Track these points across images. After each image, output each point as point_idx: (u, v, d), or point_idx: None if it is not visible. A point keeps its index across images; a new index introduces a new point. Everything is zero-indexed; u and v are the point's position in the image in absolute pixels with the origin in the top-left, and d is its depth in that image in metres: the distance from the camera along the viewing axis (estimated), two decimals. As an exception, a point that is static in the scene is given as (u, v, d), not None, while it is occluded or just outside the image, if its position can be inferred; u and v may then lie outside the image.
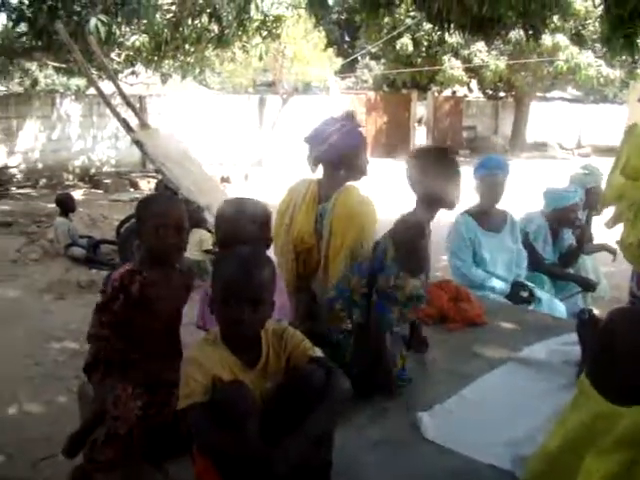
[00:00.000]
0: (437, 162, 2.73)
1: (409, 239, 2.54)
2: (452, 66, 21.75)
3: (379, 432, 2.36)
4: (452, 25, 6.52)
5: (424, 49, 22.00)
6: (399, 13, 19.49)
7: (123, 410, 2.24)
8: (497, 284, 4.12)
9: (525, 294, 4.06)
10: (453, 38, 18.62)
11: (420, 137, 24.61)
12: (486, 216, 4.23)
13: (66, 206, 8.14)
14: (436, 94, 25.01)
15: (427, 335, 3.04)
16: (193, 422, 1.82)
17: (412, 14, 19.17)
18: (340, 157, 2.99)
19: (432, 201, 2.69)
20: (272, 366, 1.97)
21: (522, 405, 2.53)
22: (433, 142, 23.73)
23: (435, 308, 3.39)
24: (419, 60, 22.08)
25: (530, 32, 6.45)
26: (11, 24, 11.01)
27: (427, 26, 20.18)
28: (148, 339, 2.41)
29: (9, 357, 4.88)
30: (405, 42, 21.41)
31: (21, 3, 10.53)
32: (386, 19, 18.54)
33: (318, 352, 1.98)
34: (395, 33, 20.30)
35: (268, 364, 1.97)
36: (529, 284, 4.17)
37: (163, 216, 2.40)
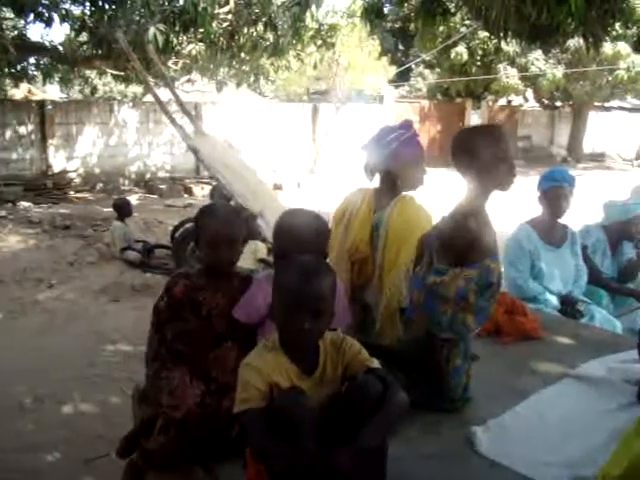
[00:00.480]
0: (485, 138, 2.44)
1: (462, 230, 2.40)
2: (508, 75, 21.47)
3: (431, 445, 2.33)
4: (509, 33, 6.42)
5: (479, 57, 21.79)
6: (454, 21, 19.32)
7: (181, 396, 2.28)
8: (551, 299, 4.03)
9: (576, 308, 3.96)
10: (509, 46, 18.36)
11: (474, 146, 24.31)
12: (548, 229, 4.14)
13: (123, 211, 8.30)
14: (490, 103, 24.72)
15: (480, 348, 2.98)
16: (249, 427, 1.83)
17: (467, 22, 19.02)
18: (398, 166, 2.95)
19: (482, 182, 2.39)
20: (329, 375, 1.97)
21: (579, 423, 2.46)
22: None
23: (489, 320, 3.32)
24: (474, 69, 21.87)
25: (590, 40, 6.29)
26: (73, 34, 11.32)
27: (482, 34, 19.99)
28: (196, 340, 2.43)
29: (65, 357, 5.01)
30: (460, 50, 21.23)
31: (83, 14, 10.82)
32: (441, 27, 18.41)
33: (375, 363, 1.97)
34: (450, 42, 20.13)
35: (325, 373, 1.96)
36: (582, 299, 4.08)
37: (219, 229, 2.42)
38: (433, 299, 2.42)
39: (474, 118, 25.11)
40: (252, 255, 6.73)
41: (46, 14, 10.03)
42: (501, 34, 6.38)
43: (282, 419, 1.76)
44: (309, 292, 1.85)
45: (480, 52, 21.62)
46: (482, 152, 2.38)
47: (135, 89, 21.09)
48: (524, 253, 4.07)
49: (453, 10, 8.22)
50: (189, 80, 13.87)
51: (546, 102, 25.72)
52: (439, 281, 2.42)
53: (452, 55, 21.37)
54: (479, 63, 21.87)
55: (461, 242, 2.42)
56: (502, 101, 25.26)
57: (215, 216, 2.50)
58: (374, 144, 2.99)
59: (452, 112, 23.51)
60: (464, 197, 2.47)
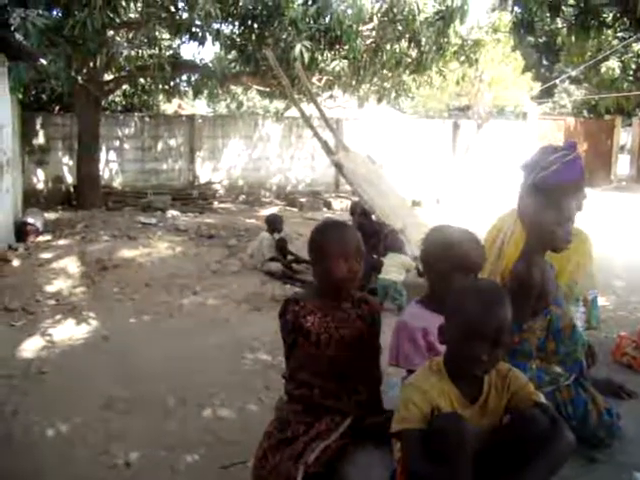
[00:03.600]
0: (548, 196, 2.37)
1: (516, 286, 2.32)
2: (665, 89, 20.24)
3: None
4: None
5: (632, 72, 20.66)
6: (606, 34, 18.47)
7: (293, 430, 2.29)
8: None
9: None
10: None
11: (623, 166, 23.10)
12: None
13: (274, 226, 8.52)
14: (642, 120, 23.38)
15: (637, 384, 2.78)
16: (406, 447, 1.82)
17: (620, 35, 18.10)
18: (559, 187, 2.79)
19: (537, 241, 2.35)
20: (492, 404, 1.91)
21: None
22: (637, 171, 22.18)
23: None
24: (625, 84, 20.76)
25: None
26: (223, 52, 11.82)
27: (637, 47, 18.95)
28: (308, 366, 2.40)
29: (206, 362, 5.18)
30: (612, 65, 20.23)
31: (233, 33, 11.28)
32: (590, 41, 17.66)
33: (542, 398, 1.89)
34: (601, 56, 19.22)
35: (488, 401, 1.91)
36: None
37: (329, 248, 2.34)
38: (515, 358, 2.31)
39: (624, 136, 23.82)
40: (395, 268, 6.71)
41: (199, 34, 10.53)
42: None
43: (440, 443, 1.73)
44: (491, 323, 1.80)
45: (634, 66, 20.50)
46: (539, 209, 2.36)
47: (278, 104, 21.73)
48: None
49: (610, 22, 7.87)
50: (331, 96, 14.09)
51: None
52: (517, 339, 2.34)
53: (602, 70, 20.40)
54: (632, 78, 20.74)
55: (527, 295, 2.34)
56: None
57: (324, 233, 2.43)
58: (534, 163, 2.85)
59: (600, 130, 22.39)
60: (523, 251, 2.42)
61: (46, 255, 8.28)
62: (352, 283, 2.40)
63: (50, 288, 7.24)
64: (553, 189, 2.61)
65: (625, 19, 7.43)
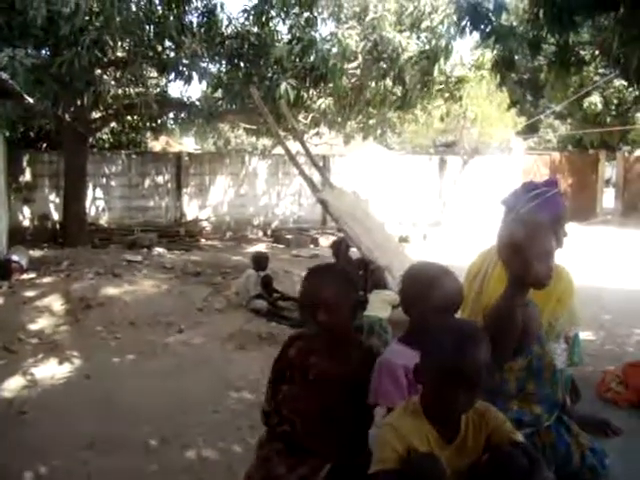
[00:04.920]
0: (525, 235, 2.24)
1: (497, 326, 2.23)
2: (648, 124, 20.58)
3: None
4: (651, 81, 6.15)
5: (614, 107, 20.99)
6: (587, 70, 18.78)
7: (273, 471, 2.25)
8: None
9: None
10: (650, 95, 17.61)
11: (608, 200, 23.32)
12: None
13: (260, 264, 8.49)
14: (626, 154, 23.66)
15: (624, 421, 2.77)
16: None
17: (601, 71, 18.43)
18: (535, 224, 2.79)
19: (517, 278, 2.23)
20: (470, 443, 1.89)
21: None
22: (622, 205, 22.38)
23: (633, 391, 3.08)
24: (609, 118, 21.08)
25: None
26: (210, 90, 11.93)
27: (618, 83, 19.30)
28: (297, 403, 2.36)
29: (191, 401, 5.10)
30: (594, 100, 20.57)
31: (219, 71, 11.40)
32: (573, 77, 17.96)
33: (520, 437, 1.87)
34: (583, 92, 19.54)
35: (466, 441, 1.89)
36: None
37: (313, 296, 2.33)
38: (495, 398, 2.24)
39: (608, 170, 24.08)
40: (380, 304, 6.69)
41: (186, 72, 10.63)
42: (642, 83, 6.13)
43: None
44: (467, 364, 1.77)
45: (615, 101, 20.84)
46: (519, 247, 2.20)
47: (265, 141, 21.88)
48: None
49: (588, 59, 8.01)
50: (317, 133, 14.21)
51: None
52: (498, 379, 2.33)
53: (585, 105, 20.74)
54: (614, 112, 21.07)
55: (507, 334, 2.28)
56: (639, 151, 24.12)
57: (309, 280, 2.42)
58: (515, 199, 2.86)
59: (584, 164, 22.63)
60: (504, 289, 2.29)
61: (30, 293, 8.20)
62: (336, 331, 2.36)
63: (33, 326, 7.16)
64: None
65: (602, 56, 7.58)
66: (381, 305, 6.69)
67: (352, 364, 2.36)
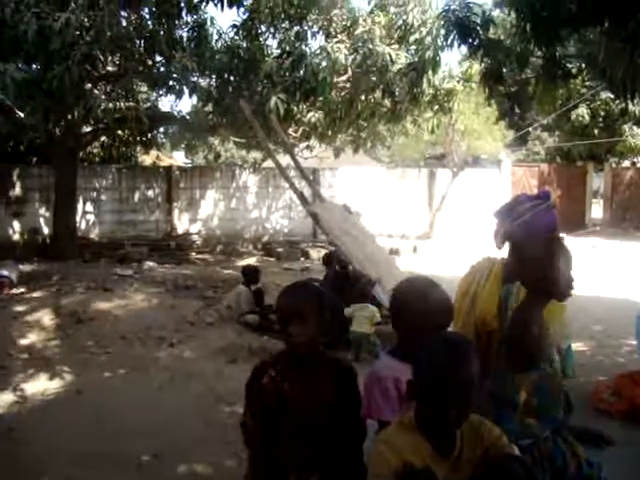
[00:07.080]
0: (546, 246, 2.29)
1: (510, 337, 2.30)
2: (634, 134, 20.69)
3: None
4: (636, 94, 6.20)
5: (602, 119, 21.18)
6: (574, 83, 18.95)
7: None
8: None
9: None
10: (636, 106, 17.74)
11: (596, 211, 23.47)
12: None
13: (251, 278, 8.48)
14: (614, 165, 23.83)
15: (615, 431, 2.78)
16: None
17: (588, 84, 18.59)
18: (531, 236, 2.79)
19: (540, 290, 2.24)
20: (465, 458, 1.88)
21: None
22: (611, 216, 22.53)
23: (625, 401, 3.09)
24: (596, 130, 21.27)
25: None
26: (200, 104, 11.96)
27: (605, 95, 19.49)
28: (279, 427, 2.34)
29: (183, 416, 5.09)
30: (581, 112, 20.75)
31: (210, 85, 11.43)
32: (560, 90, 18.10)
33: (516, 450, 1.88)
34: (571, 105, 19.70)
35: (462, 455, 1.88)
36: None
37: (285, 309, 2.35)
38: (502, 409, 2.32)
39: (596, 181, 24.23)
40: (367, 320, 6.71)
41: (177, 87, 10.65)
42: (628, 95, 6.18)
43: None
44: (459, 380, 1.78)
45: (603, 113, 21.03)
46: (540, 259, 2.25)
47: (255, 155, 21.91)
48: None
49: (575, 72, 8.09)
50: (308, 146, 14.24)
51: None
52: (509, 390, 2.35)
53: (573, 117, 20.91)
54: (602, 124, 21.25)
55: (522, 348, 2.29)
56: (626, 162, 24.32)
57: (286, 292, 2.43)
58: (507, 211, 2.86)
59: (573, 175, 22.82)
60: (522, 302, 2.34)
61: (20, 308, 8.15)
62: (309, 347, 2.35)
63: (23, 341, 7.11)
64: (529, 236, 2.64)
65: (589, 69, 7.66)
66: (367, 320, 6.72)
67: (327, 386, 2.35)
